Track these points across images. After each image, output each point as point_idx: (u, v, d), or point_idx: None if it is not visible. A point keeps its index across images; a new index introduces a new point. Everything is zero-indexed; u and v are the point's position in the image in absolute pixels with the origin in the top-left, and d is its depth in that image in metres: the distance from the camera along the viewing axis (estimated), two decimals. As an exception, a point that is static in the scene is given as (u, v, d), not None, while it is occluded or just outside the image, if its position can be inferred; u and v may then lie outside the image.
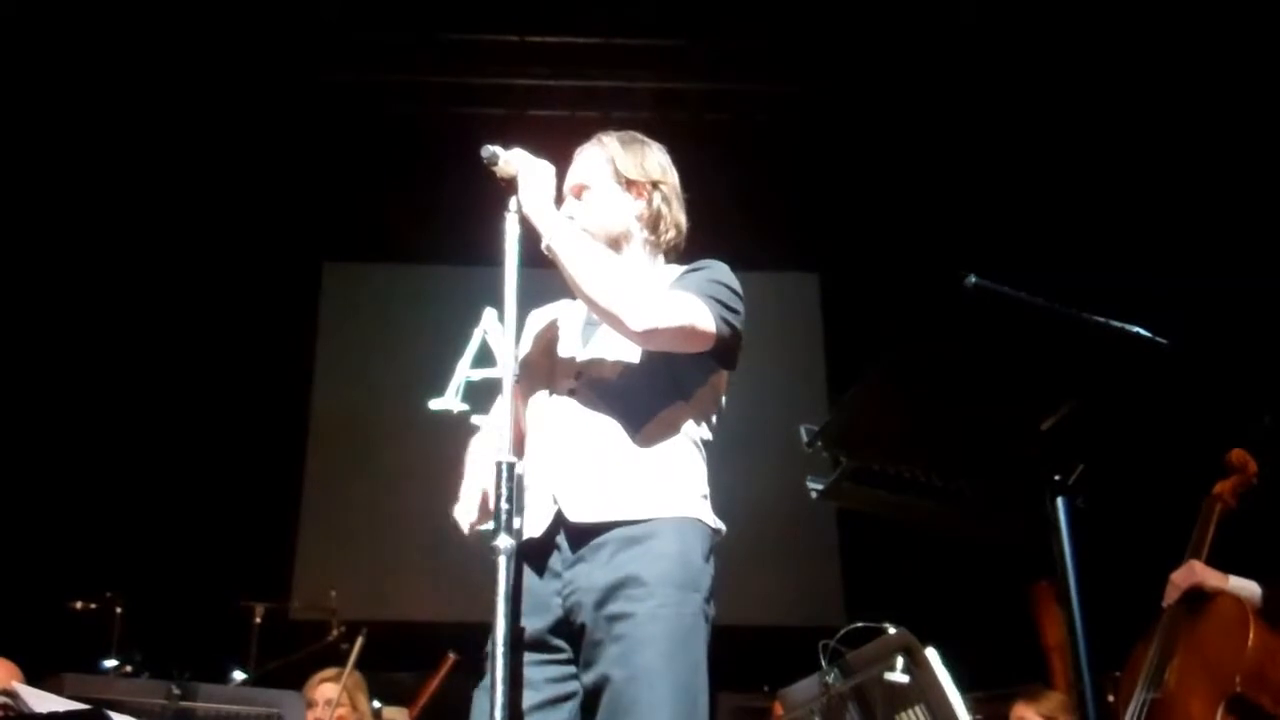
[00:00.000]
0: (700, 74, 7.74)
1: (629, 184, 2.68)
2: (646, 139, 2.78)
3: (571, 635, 2.36)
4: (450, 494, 2.52)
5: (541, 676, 2.35)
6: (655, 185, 2.69)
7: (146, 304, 7.70)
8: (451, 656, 5.63)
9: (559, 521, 2.40)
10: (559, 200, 2.55)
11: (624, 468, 2.41)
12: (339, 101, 7.83)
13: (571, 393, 2.51)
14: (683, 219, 2.74)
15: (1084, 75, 6.98)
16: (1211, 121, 6.51)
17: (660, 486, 2.40)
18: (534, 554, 2.41)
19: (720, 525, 2.48)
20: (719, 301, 2.46)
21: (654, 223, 2.68)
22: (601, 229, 2.62)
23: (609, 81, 7.64)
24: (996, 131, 7.44)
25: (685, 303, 2.41)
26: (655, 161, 2.73)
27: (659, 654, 2.25)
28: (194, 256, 7.85)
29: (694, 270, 2.57)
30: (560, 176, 2.59)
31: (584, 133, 2.81)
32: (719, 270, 2.56)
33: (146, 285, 7.71)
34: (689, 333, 2.40)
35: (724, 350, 2.49)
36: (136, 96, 7.43)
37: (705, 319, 2.41)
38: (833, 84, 7.74)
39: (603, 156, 2.71)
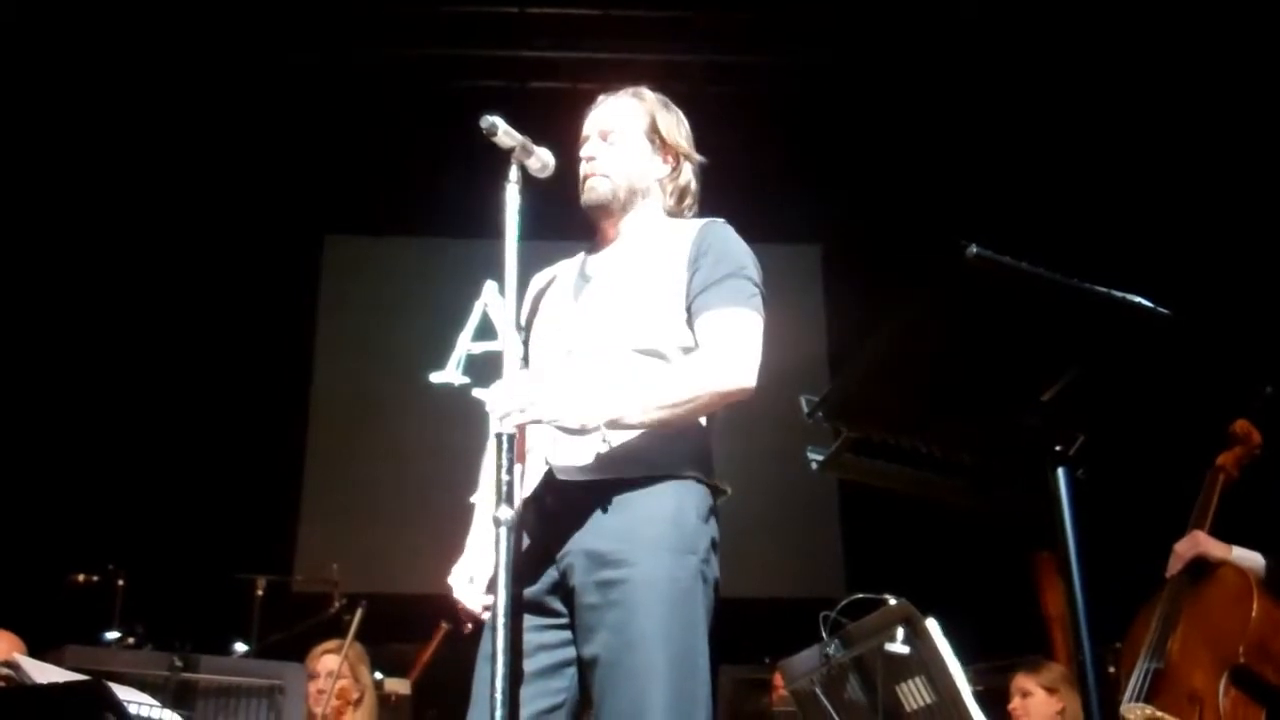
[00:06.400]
0: (702, 45, 7.71)
1: (663, 145, 2.68)
2: (676, 108, 2.79)
3: (568, 599, 2.35)
4: (452, 470, 2.52)
5: (540, 642, 2.35)
6: (686, 157, 2.72)
7: (148, 279, 7.69)
8: (444, 626, 5.65)
9: (549, 481, 2.39)
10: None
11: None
12: (340, 74, 7.79)
13: (569, 353, 2.51)
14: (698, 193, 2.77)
15: (1091, 46, 6.93)
16: (1218, 97, 6.47)
17: (653, 446, 2.38)
18: (529, 517, 2.40)
19: (722, 484, 2.48)
20: (756, 298, 2.48)
21: (680, 194, 2.70)
22: (626, 177, 2.64)
23: (610, 54, 7.60)
24: (1000, 102, 7.41)
25: (743, 333, 2.42)
26: (687, 133, 2.75)
27: (654, 619, 2.24)
28: (195, 231, 7.84)
29: (718, 265, 2.50)
30: (565, 140, 2.61)
31: (585, 105, 2.80)
32: (740, 254, 2.54)
33: (148, 261, 7.70)
34: (759, 349, 2.43)
35: None
36: (134, 72, 7.39)
37: (757, 329, 2.44)
38: (835, 55, 7.71)
39: (641, 109, 2.71)
